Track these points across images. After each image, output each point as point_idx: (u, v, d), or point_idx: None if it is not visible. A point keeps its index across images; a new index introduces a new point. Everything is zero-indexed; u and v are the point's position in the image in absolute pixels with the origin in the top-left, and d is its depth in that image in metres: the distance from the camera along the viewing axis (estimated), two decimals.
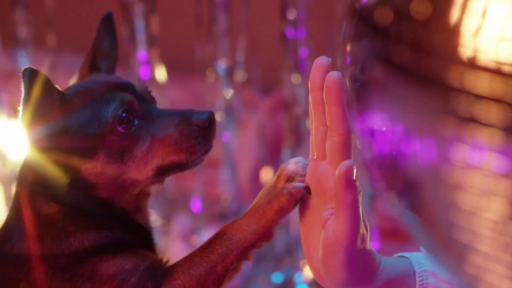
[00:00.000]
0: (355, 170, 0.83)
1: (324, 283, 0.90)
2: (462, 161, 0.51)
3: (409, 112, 0.54)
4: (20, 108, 0.94)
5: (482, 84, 0.49)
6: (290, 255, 1.90)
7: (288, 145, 1.89)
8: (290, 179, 0.93)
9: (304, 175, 0.93)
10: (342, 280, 0.87)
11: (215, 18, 1.82)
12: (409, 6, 0.52)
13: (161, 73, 1.90)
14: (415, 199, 0.58)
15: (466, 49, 0.50)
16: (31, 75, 0.91)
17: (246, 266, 1.88)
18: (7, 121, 2.17)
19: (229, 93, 1.92)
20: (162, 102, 1.84)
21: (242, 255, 0.96)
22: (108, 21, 1.06)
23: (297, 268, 1.89)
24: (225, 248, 0.95)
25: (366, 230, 0.87)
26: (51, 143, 0.96)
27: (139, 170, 0.98)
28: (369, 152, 0.63)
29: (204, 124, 0.98)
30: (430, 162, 0.54)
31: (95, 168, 0.96)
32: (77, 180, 0.97)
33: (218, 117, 1.91)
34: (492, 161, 0.49)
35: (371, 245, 1.62)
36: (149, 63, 1.85)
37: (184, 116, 0.99)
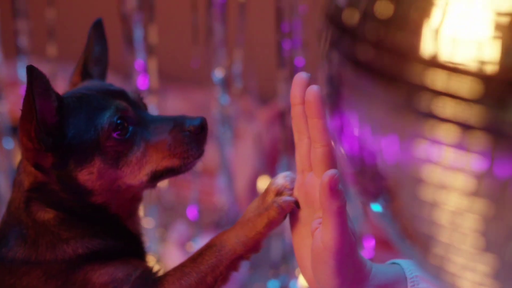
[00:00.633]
0: (338, 179, 0.85)
1: None
2: (423, 156, 0.53)
3: (375, 110, 0.56)
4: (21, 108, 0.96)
5: (440, 81, 0.51)
6: (286, 263, 1.92)
7: (284, 154, 1.91)
8: (279, 193, 0.96)
9: (292, 189, 0.96)
10: (334, 287, 0.89)
11: (212, 28, 1.84)
12: (373, 7, 0.55)
13: (158, 83, 1.92)
14: (385, 197, 0.60)
15: (425, 47, 0.52)
16: (31, 73, 0.93)
17: (242, 273, 1.91)
18: (9, 130, 2.20)
19: (226, 102, 1.94)
20: (160, 111, 1.86)
21: (231, 266, 0.98)
22: (98, 27, 1.08)
23: (292, 275, 1.91)
24: (214, 259, 0.97)
25: (354, 237, 0.90)
26: (47, 147, 0.97)
27: (133, 175, 1.00)
28: (341, 152, 0.66)
29: (197, 130, 1.01)
30: (395, 158, 0.56)
31: (91, 173, 0.98)
32: (73, 186, 0.99)
33: (214, 126, 1.93)
34: (450, 155, 0.52)
35: (366, 253, 1.64)
36: (147, 72, 1.88)
37: (177, 122, 1.02)
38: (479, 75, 0.49)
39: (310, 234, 0.91)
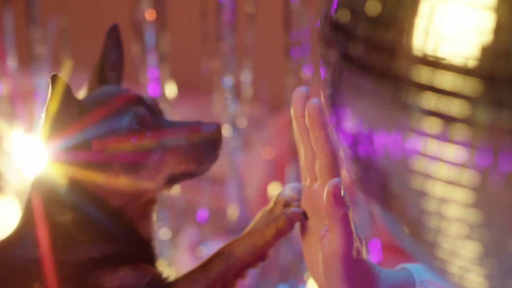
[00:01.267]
0: (342, 187, 0.89)
1: None
2: (419, 151, 0.57)
3: (370, 106, 0.60)
4: (42, 114, 0.99)
5: (426, 76, 0.55)
6: (295, 268, 1.95)
7: (294, 162, 1.94)
8: (287, 204, 1.00)
9: (299, 200, 0.99)
10: None
11: (221, 36, 1.87)
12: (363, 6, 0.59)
13: (171, 90, 1.96)
14: (385, 194, 0.64)
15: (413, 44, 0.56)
16: (54, 81, 0.96)
17: (252, 278, 1.94)
18: (24, 137, 2.23)
19: (236, 110, 1.97)
20: (172, 118, 1.89)
21: (239, 273, 1.02)
22: (114, 33, 1.11)
23: (301, 280, 1.94)
24: (223, 267, 1.00)
25: (361, 242, 0.93)
26: (68, 152, 1.01)
27: (151, 179, 1.03)
28: (344, 152, 0.69)
29: (212, 135, 1.04)
30: (394, 154, 0.59)
31: (110, 178, 1.01)
32: (92, 190, 1.02)
33: (225, 132, 1.96)
34: (436, 147, 0.55)
35: (373, 257, 1.67)
36: (159, 80, 1.91)
37: (193, 128, 1.05)
38: (463, 70, 0.53)
39: (319, 241, 0.94)
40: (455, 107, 0.54)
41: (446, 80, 0.53)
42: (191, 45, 2.08)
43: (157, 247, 1.12)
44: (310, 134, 0.92)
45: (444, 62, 0.54)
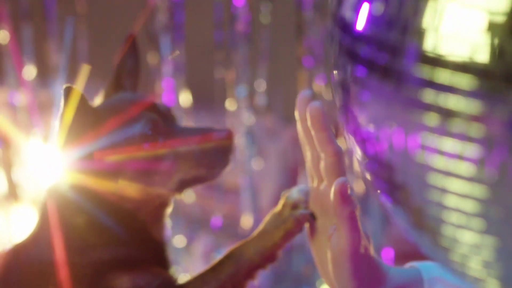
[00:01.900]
0: (348, 186, 0.91)
1: None
2: (422, 145, 0.59)
3: (376, 103, 0.62)
4: (57, 124, 1.01)
5: (439, 75, 0.57)
6: (308, 275, 1.96)
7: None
8: (294, 206, 1.01)
9: (307, 202, 1.01)
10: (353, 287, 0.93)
11: (236, 46, 1.90)
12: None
13: (186, 100, 1.98)
14: (396, 189, 0.66)
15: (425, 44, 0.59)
16: (68, 92, 0.98)
17: (265, 286, 1.95)
18: (41, 147, 2.26)
19: (250, 119, 2.00)
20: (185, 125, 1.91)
21: (249, 275, 1.03)
22: (130, 41, 1.13)
23: (314, 287, 1.96)
24: (233, 268, 1.02)
25: (368, 240, 0.95)
26: (83, 158, 1.03)
27: (163, 184, 1.05)
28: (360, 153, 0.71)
29: (223, 141, 1.06)
30: (398, 147, 0.62)
31: (123, 182, 1.04)
32: (105, 194, 1.04)
33: (237, 140, 1.99)
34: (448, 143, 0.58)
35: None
36: (174, 90, 1.94)
37: (204, 134, 1.07)
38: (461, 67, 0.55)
39: (327, 241, 0.95)
40: (453, 102, 0.56)
41: (445, 76, 0.56)
42: (206, 55, 2.11)
43: (170, 249, 1.13)
44: (313, 136, 0.94)
45: (443, 59, 0.56)
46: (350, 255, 0.92)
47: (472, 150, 0.56)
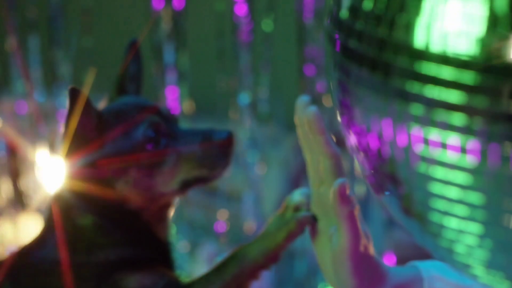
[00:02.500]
0: (347, 186, 0.94)
1: None
2: (421, 139, 0.62)
3: (373, 99, 0.65)
4: (62, 126, 1.04)
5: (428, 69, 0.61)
6: (309, 280, 1.99)
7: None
8: (297, 209, 1.03)
9: (308, 204, 1.04)
10: (354, 286, 0.95)
11: (238, 54, 1.93)
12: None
13: (189, 108, 2.01)
14: (395, 183, 0.68)
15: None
16: (73, 94, 1.01)
17: None
18: (47, 156, 2.29)
19: (252, 127, 2.02)
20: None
21: (252, 275, 1.06)
22: (133, 47, 1.16)
23: None
24: (237, 268, 1.03)
25: (368, 239, 0.97)
26: (87, 159, 1.06)
27: (166, 184, 1.07)
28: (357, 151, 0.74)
29: (224, 142, 1.09)
30: (400, 142, 0.65)
31: (127, 183, 1.06)
32: (110, 194, 1.07)
33: (242, 149, 2.01)
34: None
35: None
36: (178, 99, 1.96)
37: (205, 135, 1.09)
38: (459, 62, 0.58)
39: (328, 241, 0.97)
40: (453, 97, 0.59)
41: (444, 72, 0.59)
42: (208, 64, 2.14)
43: (174, 250, 1.16)
44: (311, 140, 0.97)
45: (440, 54, 0.59)
46: (350, 254, 0.94)
47: (456, 139, 0.59)
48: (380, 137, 0.65)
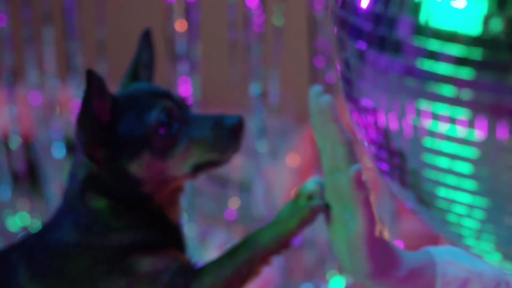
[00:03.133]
0: (362, 173, 0.96)
1: (358, 280, 1.00)
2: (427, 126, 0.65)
3: (384, 84, 0.68)
4: (77, 108, 1.07)
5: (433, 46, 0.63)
6: (318, 268, 2.01)
7: (318, 170, 2.01)
8: (310, 197, 1.05)
9: (322, 192, 1.05)
10: (370, 270, 0.97)
11: (249, 46, 1.95)
12: None
13: (201, 98, 2.04)
14: (401, 171, 0.71)
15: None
16: (90, 77, 1.03)
17: (277, 278, 2.00)
18: (62, 146, 2.33)
19: (263, 118, 2.05)
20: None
21: (264, 260, 1.08)
22: (147, 36, 1.19)
23: (324, 280, 2.01)
24: (249, 254, 1.06)
25: (382, 224, 1.00)
26: (101, 142, 1.07)
27: (178, 168, 1.10)
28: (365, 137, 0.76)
29: (235, 127, 1.11)
30: (407, 131, 0.67)
31: (140, 165, 1.08)
32: (123, 177, 1.10)
33: (253, 140, 2.04)
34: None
35: None
36: (190, 90, 1.99)
37: (217, 120, 1.11)
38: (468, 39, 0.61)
39: (344, 227, 0.99)
40: (462, 74, 0.61)
41: (453, 49, 0.62)
42: (220, 55, 2.16)
43: (184, 232, 1.18)
44: (325, 128, 0.99)
45: (449, 32, 0.62)
46: (366, 238, 0.96)
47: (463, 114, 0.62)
48: (375, 109, 0.68)
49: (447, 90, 0.62)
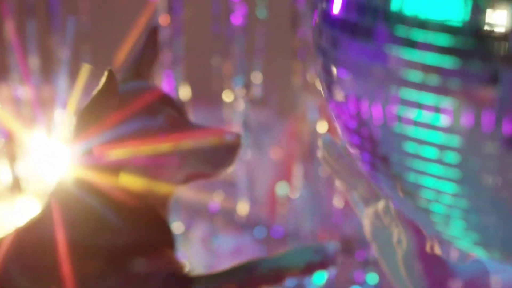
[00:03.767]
0: None
1: None
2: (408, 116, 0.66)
3: (362, 76, 0.69)
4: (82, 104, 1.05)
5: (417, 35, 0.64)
6: None
7: (300, 163, 2.02)
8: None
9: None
10: (428, 286, 1.00)
11: (232, 38, 1.96)
12: None
13: (185, 92, 2.04)
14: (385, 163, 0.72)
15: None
16: (110, 77, 1.03)
17: None
18: (44, 140, 2.32)
19: (245, 111, 2.06)
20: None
21: (256, 286, 1.09)
22: (153, 34, 1.18)
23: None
24: (244, 276, 1.09)
25: (432, 239, 1.02)
26: (104, 141, 1.07)
27: (172, 174, 1.10)
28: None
29: (233, 145, 1.11)
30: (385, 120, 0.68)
31: (138, 169, 1.08)
32: (116, 182, 1.08)
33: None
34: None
35: None
36: (173, 82, 1.99)
37: (215, 133, 1.11)
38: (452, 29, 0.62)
39: (395, 251, 1.02)
40: (446, 63, 0.63)
41: (438, 38, 0.63)
42: (203, 47, 2.17)
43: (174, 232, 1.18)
44: (337, 167, 1.01)
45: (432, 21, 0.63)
46: (419, 255, 0.99)
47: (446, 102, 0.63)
48: (359, 99, 0.69)
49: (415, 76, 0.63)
